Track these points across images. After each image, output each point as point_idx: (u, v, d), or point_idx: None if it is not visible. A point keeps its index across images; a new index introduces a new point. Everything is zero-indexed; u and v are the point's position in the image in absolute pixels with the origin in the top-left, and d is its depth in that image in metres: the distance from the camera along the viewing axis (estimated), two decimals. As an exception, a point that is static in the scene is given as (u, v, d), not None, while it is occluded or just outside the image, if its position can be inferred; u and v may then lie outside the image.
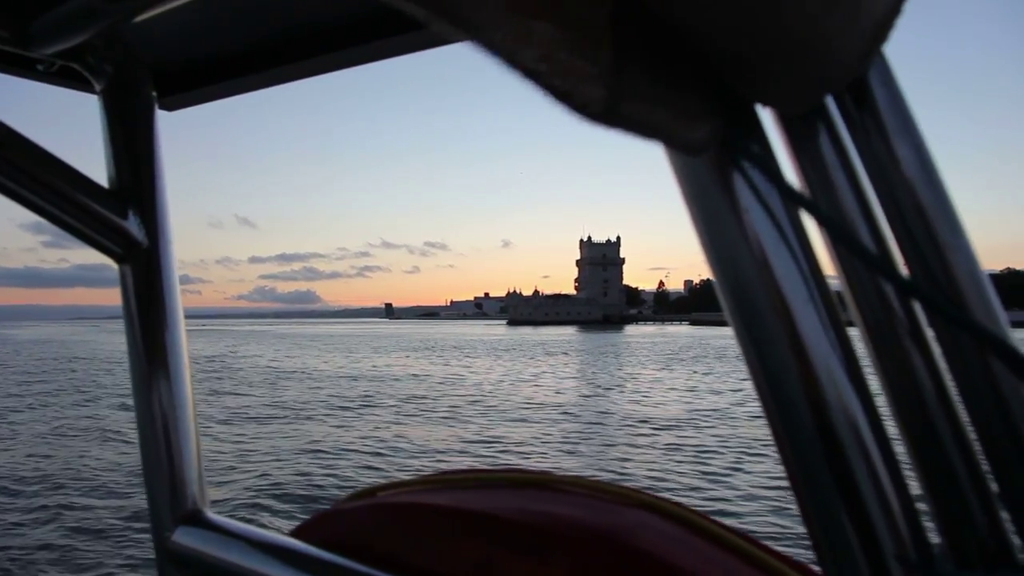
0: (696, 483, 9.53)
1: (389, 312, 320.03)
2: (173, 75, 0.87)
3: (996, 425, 0.37)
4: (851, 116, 0.39)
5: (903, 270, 0.38)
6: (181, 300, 0.84)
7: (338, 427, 14.13)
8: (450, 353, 42.43)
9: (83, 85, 0.83)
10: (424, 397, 19.41)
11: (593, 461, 10.91)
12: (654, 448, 12.02)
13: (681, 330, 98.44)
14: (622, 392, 21.14)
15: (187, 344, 0.84)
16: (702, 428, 14.00)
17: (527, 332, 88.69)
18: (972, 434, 0.38)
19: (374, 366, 31.64)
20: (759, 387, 0.40)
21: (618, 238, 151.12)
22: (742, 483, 9.41)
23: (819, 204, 0.39)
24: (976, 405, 0.37)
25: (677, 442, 12.44)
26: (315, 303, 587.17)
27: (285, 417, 15.54)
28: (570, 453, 11.59)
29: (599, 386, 22.54)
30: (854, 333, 0.40)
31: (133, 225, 0.79)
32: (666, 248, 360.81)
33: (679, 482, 9.38)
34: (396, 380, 24.79)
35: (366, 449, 11.75)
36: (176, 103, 0.91)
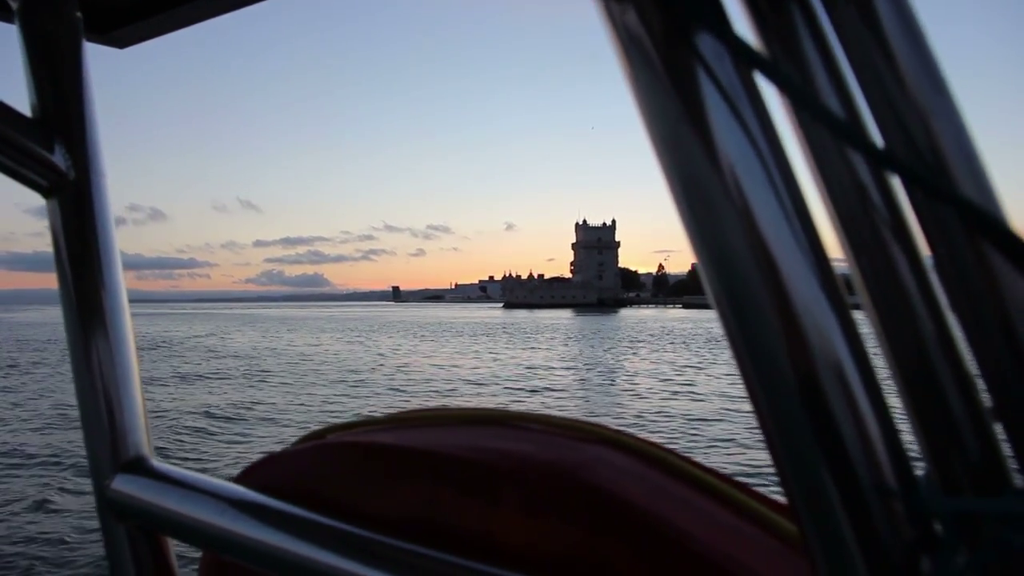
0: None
1: (396, 295, 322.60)
2: (110, 5, 0.81)
3: (988, 325, 0.31)
4: None
5: (878, 140, 0.32)
6: (116, 237, 0.78)
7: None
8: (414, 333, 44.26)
9: (0, 13, 0.77)
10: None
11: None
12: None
13: (668, 313, 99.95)
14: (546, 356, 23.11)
15: (124, 284, 0.78)
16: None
17: (522, 315, 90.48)
18: (960, 336, 0.32)
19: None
20: (713, 290, 0.34)
21: (613, 221, 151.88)
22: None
23: (778, 66, 0.34)
24: (965, 301, 0.31)
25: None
26: (324, 287, 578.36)
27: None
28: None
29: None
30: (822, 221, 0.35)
31: (59, 156, 0.73)
32: (673, 230, 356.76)
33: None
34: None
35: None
36: (125, 38, 0.84)
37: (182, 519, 0.69)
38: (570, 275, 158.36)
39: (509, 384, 19.04)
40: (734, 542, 0.54)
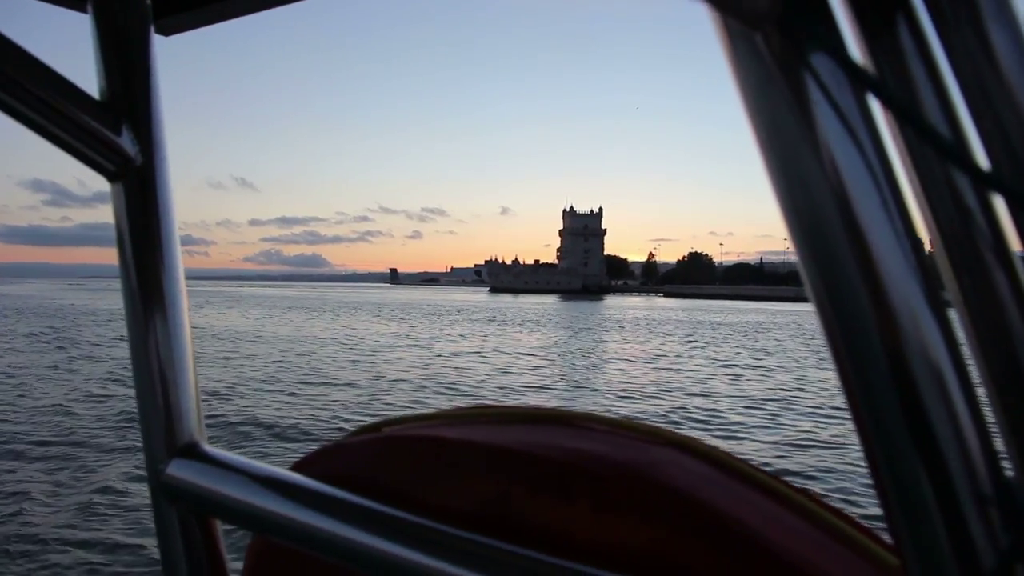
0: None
1: (394, 277, 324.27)
2: None
3: None
4: None
5: (983, 161, 0.33)
6: (177, 224, 0.80)
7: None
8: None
9: (74, 1, 0.79)
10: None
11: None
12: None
13: (640, 300, 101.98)
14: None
15: (183, 268, 0.80)
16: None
17: (506, 299, 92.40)
18: None
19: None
20: (818, 299, 0.36)
21: (600, 209, 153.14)
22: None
23: (890, 87, 0.35)
24: None
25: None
26: (322, 267, 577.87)
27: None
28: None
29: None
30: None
31: (127, 141, 0.75)
32: (668, 220, 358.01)
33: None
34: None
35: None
36: (172, 26, 0.85)
37: (237, 504, 0.70)
38: (556, 261, 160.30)
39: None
40: (806, 545, 0.54)
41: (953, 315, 0.35)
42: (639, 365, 21.16)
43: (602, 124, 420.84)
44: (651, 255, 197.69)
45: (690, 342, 29.56)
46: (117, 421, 11.02)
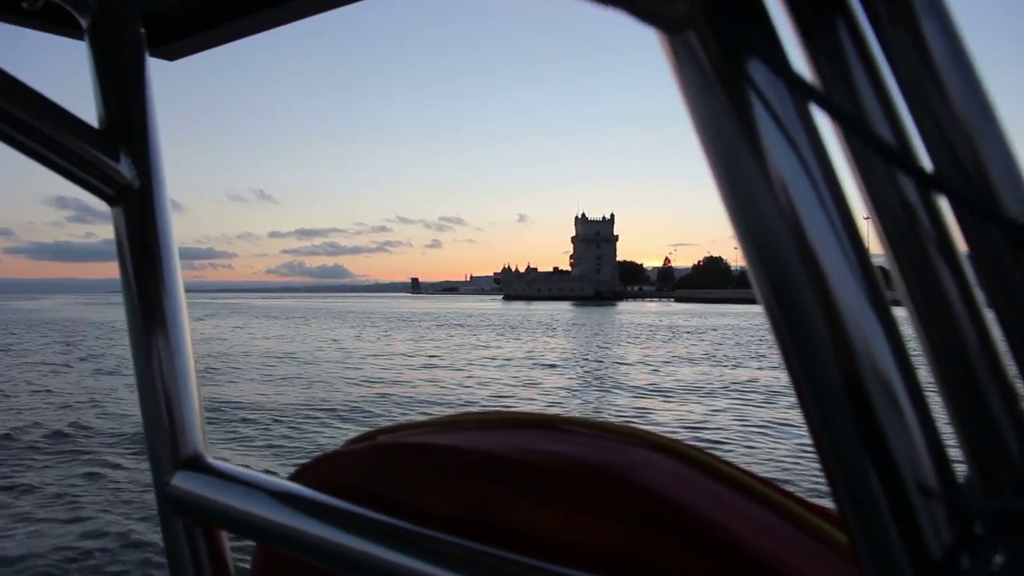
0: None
1: (415, 287, 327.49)
2: (167, 19, 0.84)
3: None
4: None
5: (926, 163, 0.34)
6: (176, 244, 0.83)
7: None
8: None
9: (71, 31, 0.82)
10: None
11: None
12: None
13: (649, 306, 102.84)
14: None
15: (183, 287, 0.82)
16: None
17: (518, 306, 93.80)
18: (1002, 343, 0.34)
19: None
20: (766, 301, 0.37)
21: (612, 216, 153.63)
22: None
23: (830, 95, 0.35)
24: (1008, 311, 0.34)
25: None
26: (345, 277, 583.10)
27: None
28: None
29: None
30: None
31: (124, 166, 0.77)
32: (688, 225, 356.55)
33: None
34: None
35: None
36: (176, 51, 0.88)
37: (240, 515, 0.72)
38: (569, 268, 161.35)
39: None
40: (780, 544, 0.55)
41: (903, 314, 0.36)
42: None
43: (621, 130, 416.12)
44: (667, 260, 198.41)
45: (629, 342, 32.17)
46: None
